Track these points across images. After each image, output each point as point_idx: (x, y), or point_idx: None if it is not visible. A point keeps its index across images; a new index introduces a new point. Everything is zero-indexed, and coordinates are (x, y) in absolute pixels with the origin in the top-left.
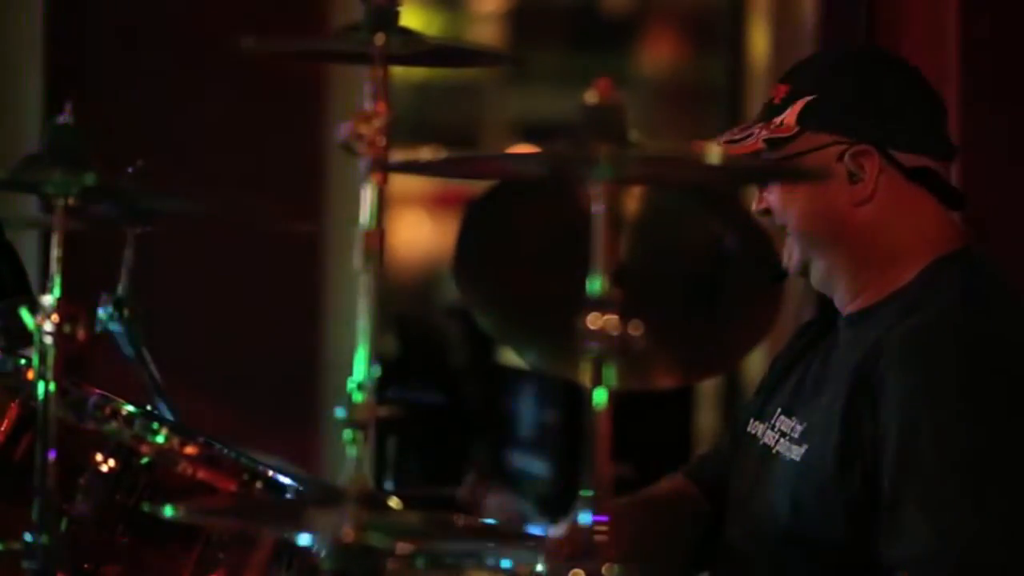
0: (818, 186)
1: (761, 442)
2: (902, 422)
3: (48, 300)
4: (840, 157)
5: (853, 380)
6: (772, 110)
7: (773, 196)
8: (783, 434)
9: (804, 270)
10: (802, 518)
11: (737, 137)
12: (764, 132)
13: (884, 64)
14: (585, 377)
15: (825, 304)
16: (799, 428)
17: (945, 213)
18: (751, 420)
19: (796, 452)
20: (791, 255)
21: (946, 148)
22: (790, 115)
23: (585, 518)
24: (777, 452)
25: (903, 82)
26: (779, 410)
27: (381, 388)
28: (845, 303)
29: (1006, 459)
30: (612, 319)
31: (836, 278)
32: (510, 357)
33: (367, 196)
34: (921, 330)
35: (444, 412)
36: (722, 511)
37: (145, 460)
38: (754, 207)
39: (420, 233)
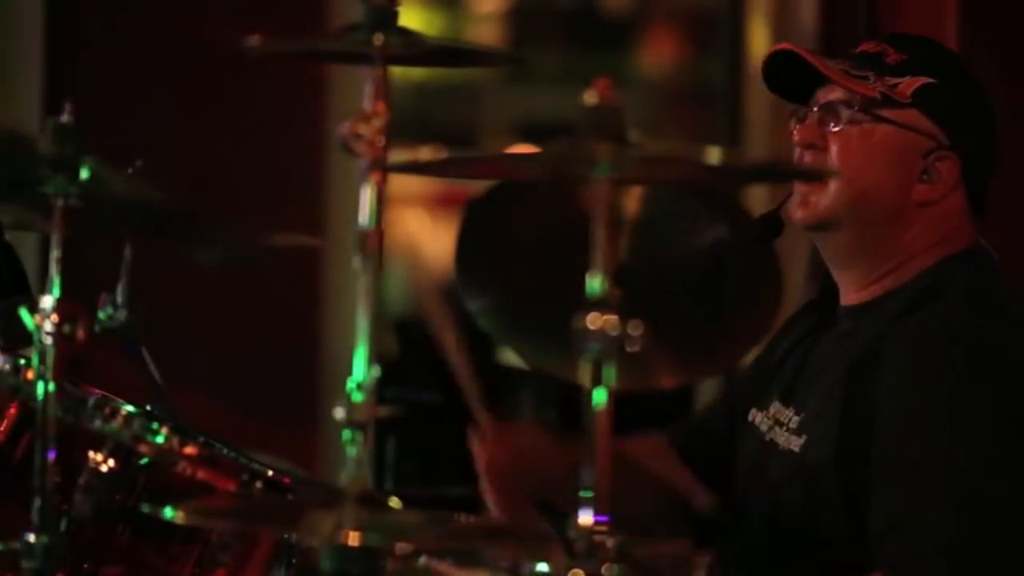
0: (892, 165)
1: (760, 432)
2: (896, 412)
3: (48, 300)
4: (926, 154)
5: (853, 372)
6: (884, 67)
7: (837, 145)
8: (780, 423)
9: (824, 225)
10: (803, 509)
11: (854, 72)
12: (880, 84)
13: (983, 86)
14: (585, 377)
15: (824, 290)
16: (797, 418)
17: (969, 221)
18: (751, 410)
19: (795, 443)
20: (805, 201)
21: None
22: (908, 85)
23: (585, 518)
24: (776, 442)
25: (994, 110)
26: (776, 398)
27: (381, 388)
28: (852, 289)
29: (993, 452)
30: (612, 319)
31: (855, 259)
32: (510, 357)
33: (367, 196)
34: (923, 325)
35: (444, 412)
36: (708, 484)
37: (145, 460)
38: (798, 135)
39: (420, 233)
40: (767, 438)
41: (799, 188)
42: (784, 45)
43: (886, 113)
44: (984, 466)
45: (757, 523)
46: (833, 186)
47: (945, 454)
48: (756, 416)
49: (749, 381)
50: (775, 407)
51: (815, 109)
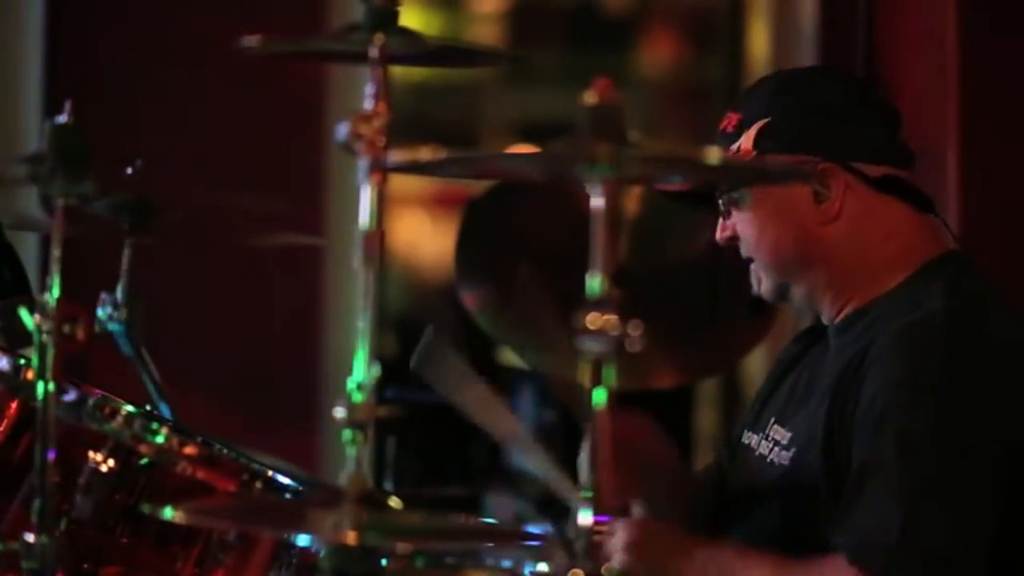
0: (784, 211)
1: (756, 452)
2: (873, 412)
3: (48, 300)
4: (806, 180)
5: (838, 383)
6: (725, 139)
7: (739, 224)
8: (776, 443)
9: (781, 295)
10: (793, 521)
11: None
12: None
13: (831, 79)
14: (585, 377)
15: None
16: (788, 435)
17: (922, 218)
18: (745, 431)
19: (786, 457)
20: (760, 282)
21: (906, 156)
22: (746, 141)
23: (586, 519)
24: (770, 460)
25: (853, 95)
26: (772, 420)
27: (381, 388)
28: (832, 317)
29: (967, 460)
30: (612, 319)
31: (818, 298)
32: (510, 357)
33: (367, 196)
34: (907, 329)
35: (444, 412)
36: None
37: (145, 460)
38: (718, 236)
39: (420, 233)
40: (759, 455)
41: (752, 270)
42: (658, 187)
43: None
44: (961, 480)
45: (750, 537)
46: (757, 258)
47: (922, 465)
48: (752, 439)
49: (748, 409)
50: (772, 429)
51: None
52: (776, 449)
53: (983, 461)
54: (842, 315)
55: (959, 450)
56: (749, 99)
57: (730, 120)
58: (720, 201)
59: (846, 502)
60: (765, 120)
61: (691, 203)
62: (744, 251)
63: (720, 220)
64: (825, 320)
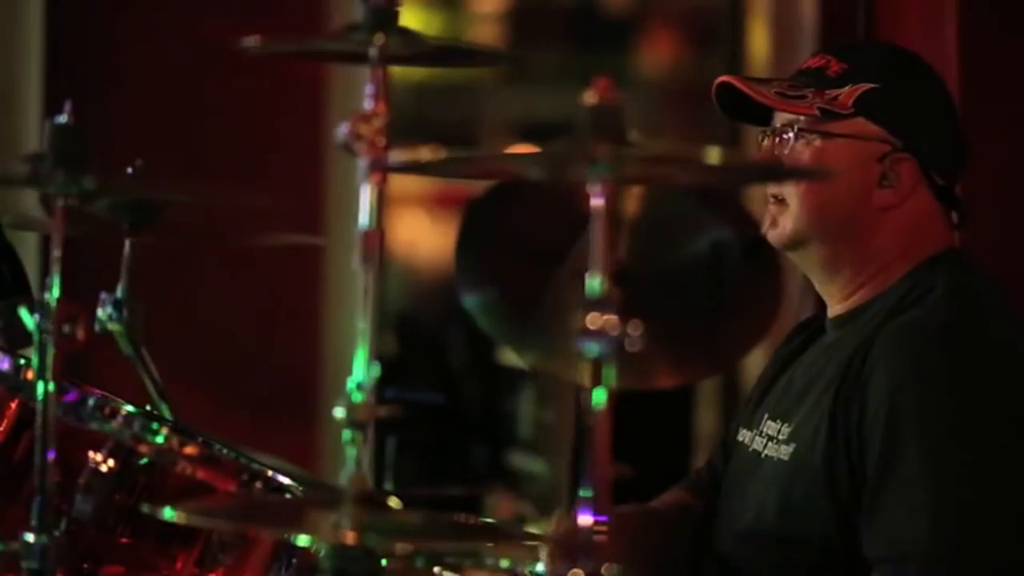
0: (849, 177)
1: (750, 448)
2: (887, 416)
3: (48, 300)
4: (881, 158)
5: (841, 378)
6: (825, 80)
7: (796, 160)
8: (770, 438)
9: (795, 245)
10: (790, 518)
11: (790, 93)
12: (818, 100)
13: (940, 81)
14: (585, 377)
15: (819, 309)
16: (786, 429)
17: (943, 221)
18: (740, 429)
19: (784, 452)
20: (774, 223)
21: (959, 177)
22: (848, 94)
23: (584, 518)
24: (765, 455)
25: (951, 104)
26: (765, 415)
27: (381, 388)
28: (835, 301)
29: (986, 456)
30: (612, 319)
31: (833, 272)
32: (510, 357)
33: (366, 196)
34: (908, 326)
35: (444, 412)
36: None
37: (144, 460)
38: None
39: (420, 233)
40: (755, 452)
41: (768, 209)
42: (723, 77)
43: (829, 127)
44: (984, 477)
45: (745, 534)
46: (794, 205)
47: (943, 465)
48: (745, 436)
49: (743, 407)
50: (766, 424)
51: (768, 133)
52: (771, 444)
53: (1000, 455)
54: (844, 306)
55: (976, 445)
56: (860, 56)
57: (831, 64)
58: (787, 135)
59: (870, 511)
60: (875, 85)
61: (744, 117)
62: (777, 187)
63: (764, 141)
64: (826, 296)
